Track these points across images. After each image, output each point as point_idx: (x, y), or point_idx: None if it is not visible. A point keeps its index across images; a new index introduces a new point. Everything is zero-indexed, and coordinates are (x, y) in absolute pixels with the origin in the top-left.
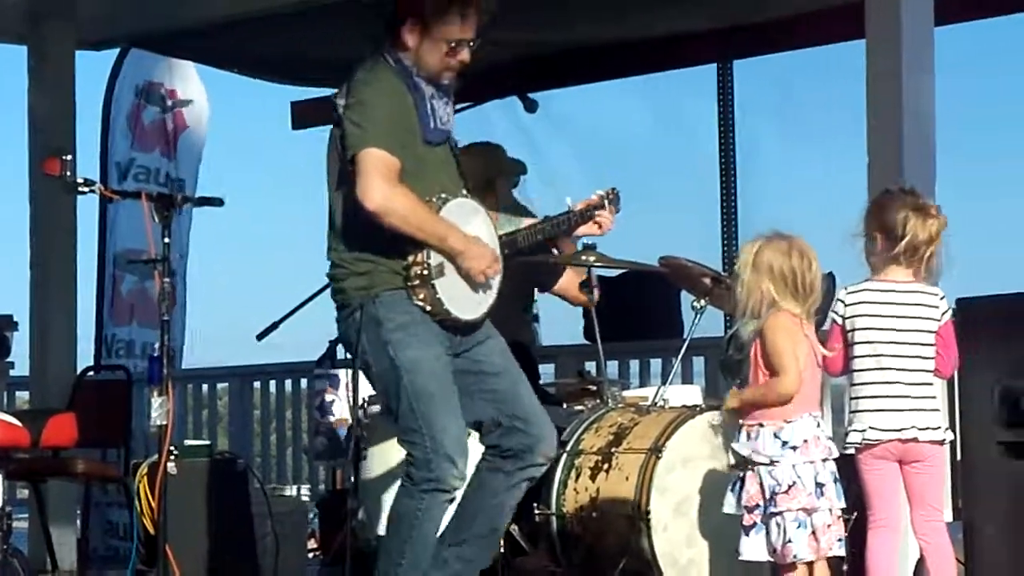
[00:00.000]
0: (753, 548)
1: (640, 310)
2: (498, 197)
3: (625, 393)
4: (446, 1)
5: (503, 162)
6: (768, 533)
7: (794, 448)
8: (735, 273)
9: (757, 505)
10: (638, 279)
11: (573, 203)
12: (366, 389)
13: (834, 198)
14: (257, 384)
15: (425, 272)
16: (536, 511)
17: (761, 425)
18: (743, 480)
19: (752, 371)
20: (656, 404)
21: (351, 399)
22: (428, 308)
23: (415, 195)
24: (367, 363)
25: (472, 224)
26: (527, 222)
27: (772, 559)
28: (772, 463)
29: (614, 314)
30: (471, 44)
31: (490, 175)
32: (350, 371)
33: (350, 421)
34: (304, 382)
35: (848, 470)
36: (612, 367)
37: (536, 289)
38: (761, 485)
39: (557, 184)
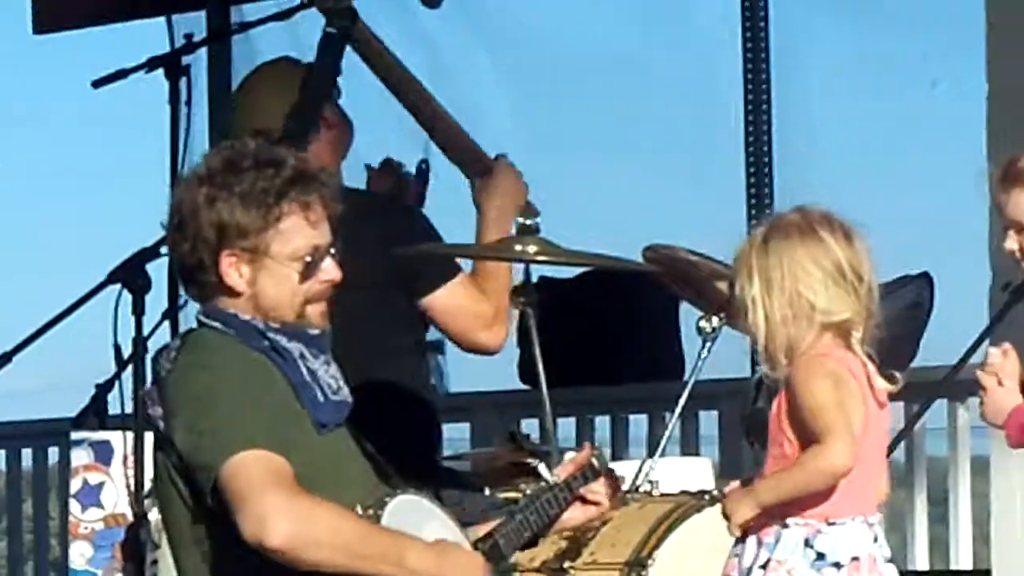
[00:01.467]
0: None
1: (613, 335)
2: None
3: None
4: (273, 198)
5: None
6: None
7: (837, 566)
8: (735, 296)
9: None
10: (608, 284)
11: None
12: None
13: (929, 149)
14: None
15: None
16: None
17: (785, 526)
18: None
19: (772, 442)
20: (638, 488)
21: (131, 480)
22: None
23: (332, 503)
24: None
25: (430, 527)
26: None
27: None
28: None
29: (569, 342)
30: (332, 251)
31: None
32: (130, 433)
33: (129, 517)
34: (53, 452)
35: None
36: (566, 427)
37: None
38: None
39: (478, 125)
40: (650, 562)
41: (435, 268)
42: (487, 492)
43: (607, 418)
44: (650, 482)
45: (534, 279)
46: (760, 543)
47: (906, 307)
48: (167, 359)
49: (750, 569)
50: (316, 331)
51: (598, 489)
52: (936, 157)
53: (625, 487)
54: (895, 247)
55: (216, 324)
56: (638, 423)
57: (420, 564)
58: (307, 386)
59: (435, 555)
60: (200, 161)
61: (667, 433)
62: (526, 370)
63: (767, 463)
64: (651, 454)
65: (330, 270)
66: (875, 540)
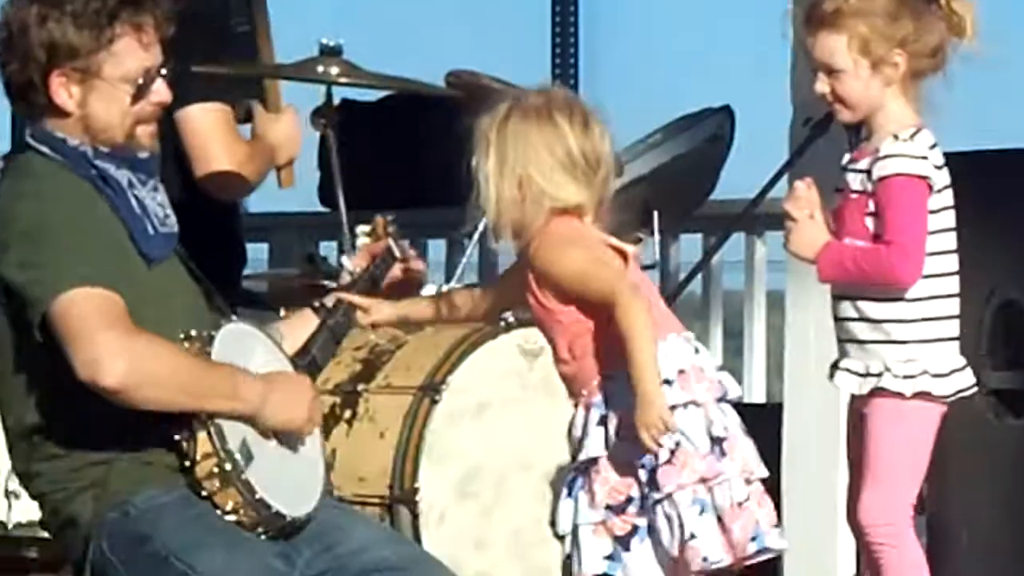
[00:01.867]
0: (642, 567)
1: (413, 159)
2: None
3: None
4: (106, 19)
5: None
6: (654, 534)
7: (667, 383)
8: (473, 168)
9: (629, 499)
10: (410, 109)
11: (349, 260)
12: None
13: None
14: None
15: (225, 465)
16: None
17: (608, 377)
18: (590, 471)
19: (549, 328)
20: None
21: None
22: (245, 520)
23: (166, 340)
24: None
25: (257, 355)
26: (306, 323)
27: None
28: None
29: (371, 165)
30: (163, 72)
31: None
32: None
33: None
34: None
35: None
36: None
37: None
38: (631, 467)
39: None
40: (444, 387)
41: (198, 85)
42: (282, 313)
43: (405, 243)
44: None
45: (336, 101)
46: (588, 407)
47: (706, 140)
48: None
49: (584, 435)
50: (145, 154)
51: (413, 263)
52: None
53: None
54: (698, 80)
55: (44, 149)
56: (437, 248)
57: (251, 394)
58: (137, 218)
59: (263, 383)
60: None
61: (464, 258)
62: (325, 192)
63: (557, 346)
64: (448, 280)
65: (161, 91)
66: (696, 352)
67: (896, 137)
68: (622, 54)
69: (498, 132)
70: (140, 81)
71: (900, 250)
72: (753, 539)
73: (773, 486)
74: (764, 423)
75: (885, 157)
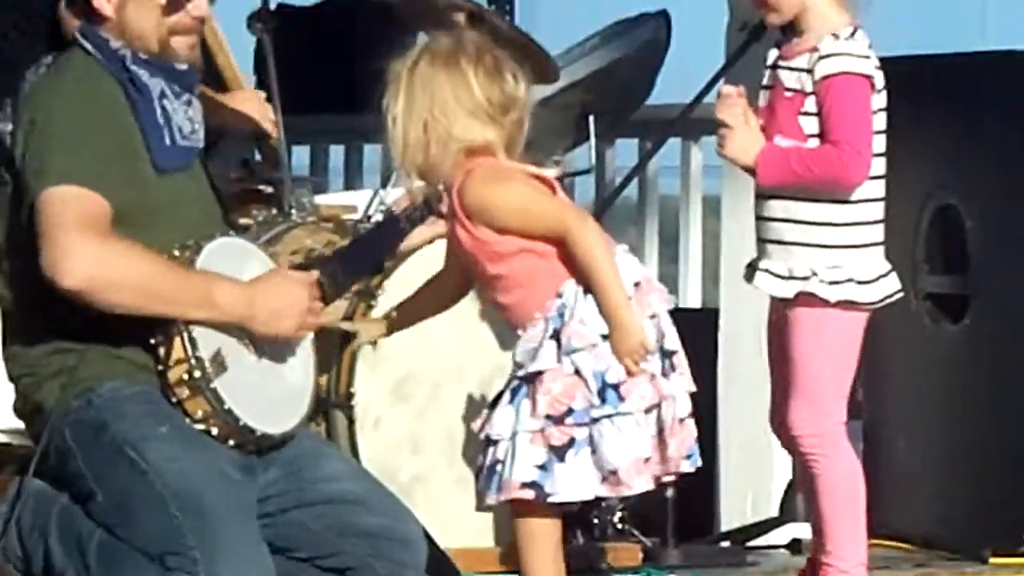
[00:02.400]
0: (572, 480)
1: (349, 64)
2: None
3: (320, 199)
4: None
5: None
6: (595, 448)
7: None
8: (384, 109)
9: (570, 410)
10: (346, 13)
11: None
12: None
13: None
14: None
15: (195, 373)
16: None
17: (559, 295)
18: (535, 381)
19: (487, 268)
20: (371, 218)
21: None
22: (214, 430)
23: (142, 247)
24: (89, 494)
25: (250, 269)
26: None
27: (601, 492)
28: (602, 338)
29: (306, 70)
30: None
31: None
32: None
33: None
34: None
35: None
36: (300, 155)
37: None
38: (579, 375)
39: None
40: (379, 291)
41: None
42: None
43: (341, 148)
44: (386, 210)
45: (272, 5)
46: (546, 319)
47: (642, 44)
48: (34, 72)
49: (539, 347)
50: (183, 67)
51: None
52: None
53: (358, 216)
54: None
55: (87, 45)
56: (372, 152)
57: (229, 300)
58: (156, 127)
59: (246, 289)
60: None
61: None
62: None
63: (500, 285)
64: (384, 184)
65: (200, 5)
66: (637, 263)
67: (836, 36)
68: None
69: (407, 76)
70: None
71: (851, 150)
72: (688, 457)
73: (709, 391)
74: (700, 329)
75: (828, 56)
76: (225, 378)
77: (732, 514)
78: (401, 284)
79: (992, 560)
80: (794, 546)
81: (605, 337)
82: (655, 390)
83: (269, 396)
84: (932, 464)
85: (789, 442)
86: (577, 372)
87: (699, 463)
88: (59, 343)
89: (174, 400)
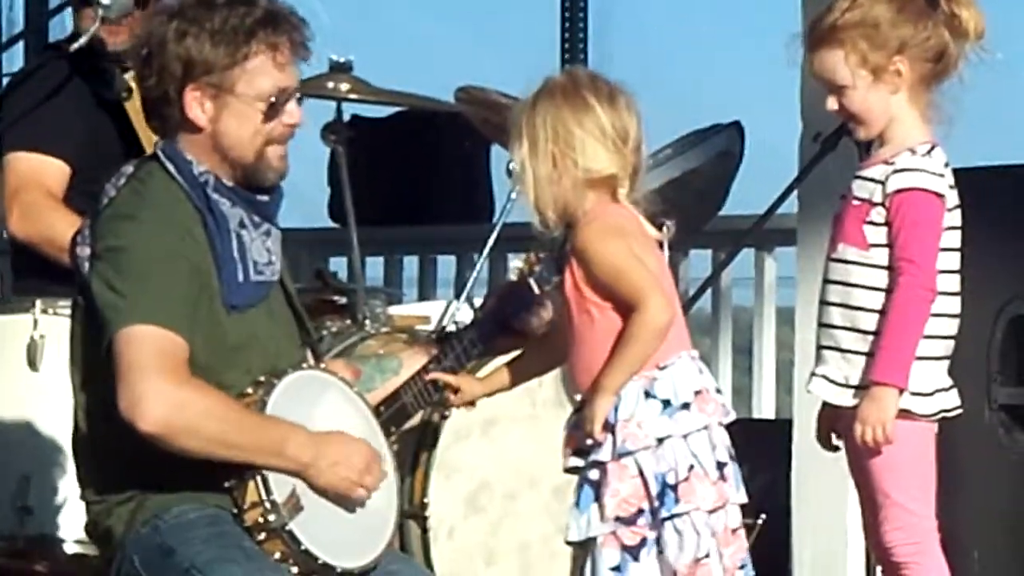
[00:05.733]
0: None
1: (423, 175)
2: None
3: (393, 310)
4: (243, 37)
5: None
6: (662, 549)
7: (686, 407)
8: (510, 162)
9: (640, 511)
10: (420, 125)
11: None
12: None
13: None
14: None
15: (270, 516)
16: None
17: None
18: (598, 481)
19: (578, 313)
20: (445, 329)
21: None
22: (293, 569)
23: (218, 392)
24: None
25: (320, 408)
26: (408, 358)
27: None
28: (659, 443)
29: (380, 182)
30: (299, 96)
31: None
32: None
33: None
34: None
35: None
36: (374, 266)
37: None
38: (642, 476)
39: None
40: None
41: None
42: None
43: (415, 258)
44: (457, 323)
45: (346, 118)
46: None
47: (717, 155)
48: (114, 184)
49: (592, 447)
50: (265, 198)
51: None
52: (745, 15)
53: (431, 327)
54: (708, 97)
55: (169, 166)
56: (446, 264)
57: (299, 453)
58: (231, 261)
59: (315, 443)
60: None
61: (474, 275)
62: (335, 208)
63: (577, 337)
64: (458, 295)
65: (294, 113)
66: (700, 372)
67: (913, 152)
68: (631, 70)
69: (527, 118)
70: (272, 100)
71: (917, 271)
72: (741, 567)
73: (783, 501)
74: (774, 438)
75: (903, 171)
76: (301, 519)
77: None
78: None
79: None
80: None
81: (661, 440)
82: (719, 493)
83: (349, 530)
84: (1007, 574)
85: (882, 552)
86: (641, 473)
87: (752, 574)
88: (131, 473)
89: (254, 542)
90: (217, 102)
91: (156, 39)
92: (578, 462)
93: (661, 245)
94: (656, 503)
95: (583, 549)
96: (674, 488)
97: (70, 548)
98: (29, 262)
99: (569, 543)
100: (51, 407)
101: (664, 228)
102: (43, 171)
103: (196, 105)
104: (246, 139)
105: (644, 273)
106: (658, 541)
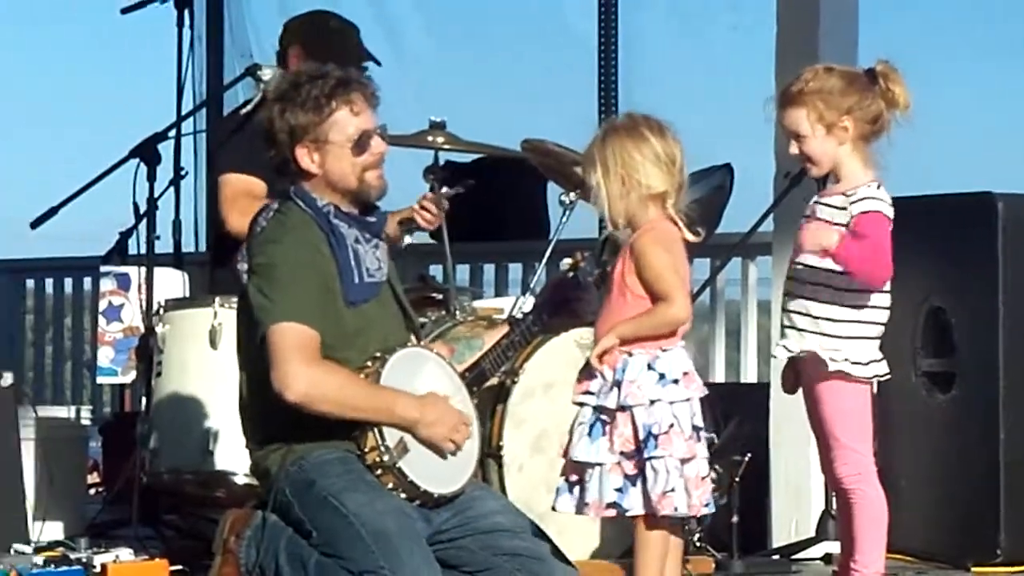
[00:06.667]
0: (635, 501)
1: (497, 204)
2: None
3: (476, 303)
4: (325, 100)
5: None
6: (644, 481)
7: (675, 382)
8: (587, 182)
9: (636, 450)
10: (495, 167)
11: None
12: (163, 291)
13: (730, 76)
14: (30, 282)
15: (384, 457)
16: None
17: (630, 354)
18: (606, 421)
19: (616, 292)
20: (513, 316)
21: (144, 303)
22: (402, 495)
23: (344, 370)
24: (306, 533)
25: (421, 377)
26: (488, 337)
27: (643, 511)
28: (651, 403)
29: (466, 209)
30: (380, 130)
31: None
32: (143, 268)
33: (142, 329)
34: (87, 281)
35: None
36: (462, 272)
37: None
38: (634, 425)
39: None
40: (521, 371)
41: None
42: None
43: (492, 266)
44: (523, 312)
45: (441, 162)
46: (612, 370)
47: (713, 188)
48: (265, 216)
49: (600, 391)
50: (373, 219)
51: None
52: (734, 82)
53: (504, 315)
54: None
55: (300, 203)
56: (515, 270)
57: (406, 412)
58: (349, 268)
59: (418, 405)
60: (271, 86)
61: (536, 277)
62: (434, 229)
63: (608, 307)
64: (523, 292)
65: (378, 145)
66: (689, 359)
67: (869, 186)
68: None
69: (599, 150)
70: (357, 139)
71: (880, 267)
72: (706, 505)
73: (764, 443)
74: (757, 397)
75: (864, 199)
76: (408, 458)
77: (781, 535)
78: (538, 364)
79: (973, 569)
80: (826, 559)
81: (653, 402)
82: (689, 448)
83: (442, 467)
84: (927, 498)
85: (836, 483)
86: (633, 422)
87: (714, 510)
88: (281, 429)
89: (371, 477)
90: (320, 152)
91: (268, 122)
92: (583, 399)
93: (696, 247)
94: (643, 446)
95: (597, 472)
96: (656, 437)
97: (240, 480)
98: (229, 255)
99: (576, 462)
100: (227, 377)
101: (698, 233)
102: (249, 185)
103: (307, 158)
104: (347, 172)
105: (677, 281)
106: (642, 473)
